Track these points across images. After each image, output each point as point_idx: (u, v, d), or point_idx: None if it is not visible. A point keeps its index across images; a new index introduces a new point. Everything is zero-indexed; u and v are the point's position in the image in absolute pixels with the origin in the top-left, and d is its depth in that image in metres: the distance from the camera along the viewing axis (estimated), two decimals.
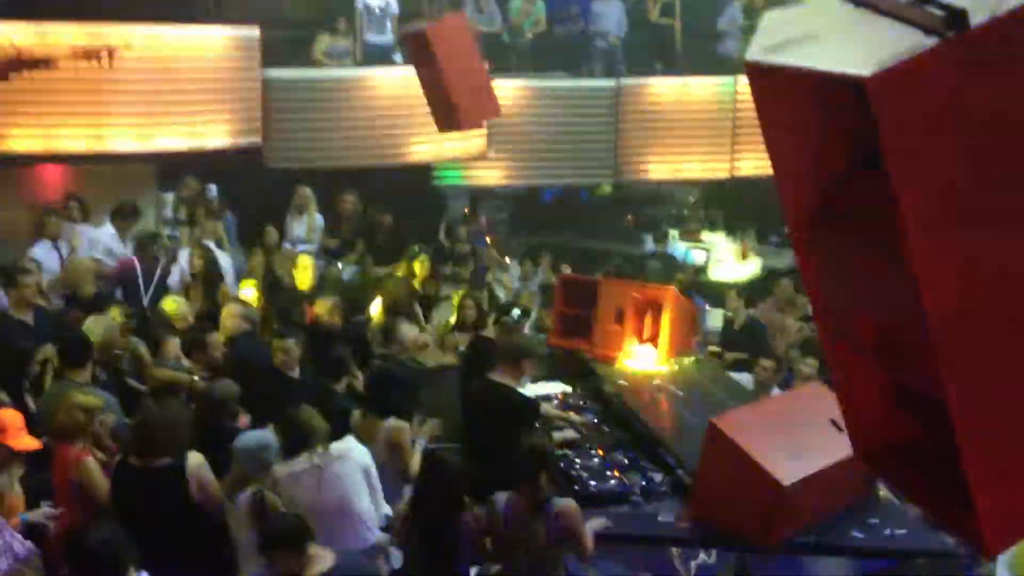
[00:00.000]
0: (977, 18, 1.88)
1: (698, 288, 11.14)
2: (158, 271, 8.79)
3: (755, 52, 2.30)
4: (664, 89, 13.76)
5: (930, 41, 1.89)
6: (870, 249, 2.06)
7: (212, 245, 9.41)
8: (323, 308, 7.62)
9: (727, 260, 13.23)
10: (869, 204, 2.07)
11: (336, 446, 5.20)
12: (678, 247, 13.46)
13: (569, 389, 7.46)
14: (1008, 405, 1.97)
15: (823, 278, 2.35)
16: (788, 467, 4.81)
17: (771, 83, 2.28)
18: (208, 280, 8.51)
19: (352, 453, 5.27)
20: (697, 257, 13.00)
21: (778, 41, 2.28)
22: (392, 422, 5.93)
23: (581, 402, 7.20)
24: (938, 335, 1.90)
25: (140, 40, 10.13)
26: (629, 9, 13.88)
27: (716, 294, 11.60)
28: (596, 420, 6.84)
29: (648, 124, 13.57)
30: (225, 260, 9.43)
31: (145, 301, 8.45)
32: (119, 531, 4.32)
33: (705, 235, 13.66)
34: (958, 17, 1.84)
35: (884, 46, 1.93)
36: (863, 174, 2.17)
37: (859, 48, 1.99)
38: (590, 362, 7.73)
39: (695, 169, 14.00)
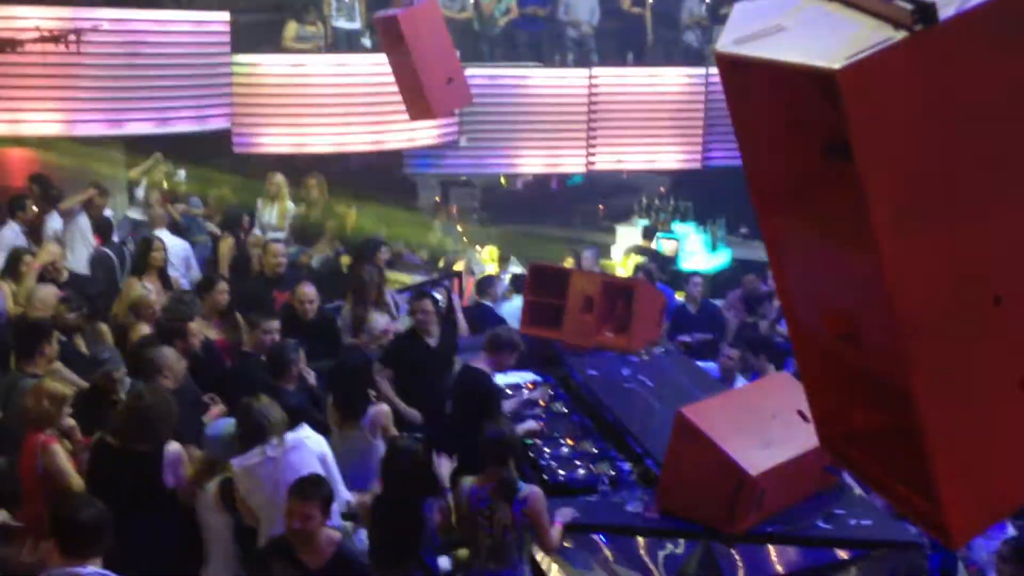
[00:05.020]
0: (945, 12, 1.89)
1: (667, 278, 11.16)
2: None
3: (725, 43, 2.30)
4: (636, 79, 13.78)
5: (899, 35, 1.90)
6: (837, 238, 2.08)
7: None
8: (305, 297, 7.51)
9: (697, 250, 13.27)
10: (837, 194, 2.08)
11: (291, 436, 5.14)
12: (654, 237, 13.46)
13: (539, 378, 7.46)
14: (973, 395, 1.99)
15: (790, 266, 2.36)
16: (756, 457, 4.84)
17: (741, 74, 2.28)
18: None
19: (307, 442, 5.22)
20: (667, 247, 13.03)
21: (748, 33, 2.28)
22: (375, 408, 5.97)
23: (551, 391, 7.21)
24: (905, 325, 1.92)
25: (108, 24, 10.02)
26: None
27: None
28: (565, 409, 6.85)
29: (620, 114, 13.59)
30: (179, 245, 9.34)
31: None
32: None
33: (675, 225, 13.69)
34: (927, 11, 1.85)
35: (854, 40, 1.94)
36: (832, 164, 2.18)
37: (829, 41, 2.00)
38: (560, 350, 7.74)
39: (666, 159, 14.04)
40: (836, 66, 1.83)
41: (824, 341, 2.29)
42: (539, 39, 13.78)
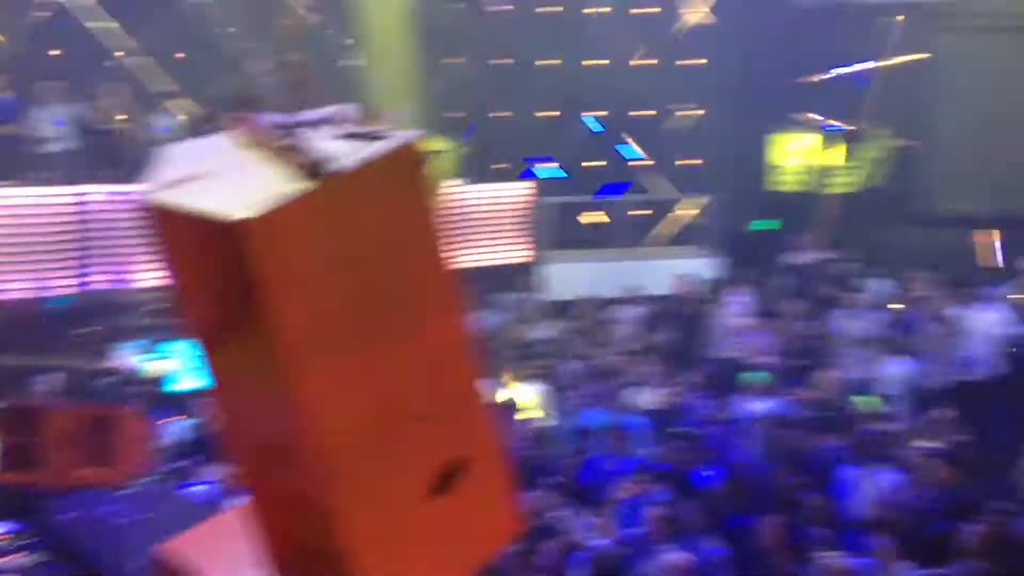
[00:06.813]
0: (340, 164, 2.09)
1: (161, 400, 10.78)
2: None
3: (153, 187, 2.35)
4: (120, 196, 13.33)
5: (303, 186, 2.08)
6: (261, 373, 2.18)
7: None
8: None
9: (190, 368, 12.95)
10: (259, 331, 2.20)
11: None
12: (142, 359, 12.93)
13: (19, 527, 6.84)
14: (388, 509, 2.16)
15: (228, 399, 2.43)
16: None
17: (170, 218, 2.34)
18: None
19: None
20: (162, 367, 12.59)
21: (175, 177, 2.35)
22: None
23: (31, 540, 6.64)
24: (318, 449, 2.06)
25: None
26: (76, 114, 13.34)
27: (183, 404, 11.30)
28: (46, 559, 6.35)
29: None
30: None
31: None
32: None
33: (168, 345, 13.27)
34: (315, 166, 2.05)
35: (264, 189, 2.08)
36: (253, 304, 2.29)
37: (244, 190, 2.12)
38: (41, 494, 7.14)
39: (147, 276, 13.66)
40: (238, 216, 1.96)
41: (262, 470, 2.37)
42: (11, 156, 12.88)
